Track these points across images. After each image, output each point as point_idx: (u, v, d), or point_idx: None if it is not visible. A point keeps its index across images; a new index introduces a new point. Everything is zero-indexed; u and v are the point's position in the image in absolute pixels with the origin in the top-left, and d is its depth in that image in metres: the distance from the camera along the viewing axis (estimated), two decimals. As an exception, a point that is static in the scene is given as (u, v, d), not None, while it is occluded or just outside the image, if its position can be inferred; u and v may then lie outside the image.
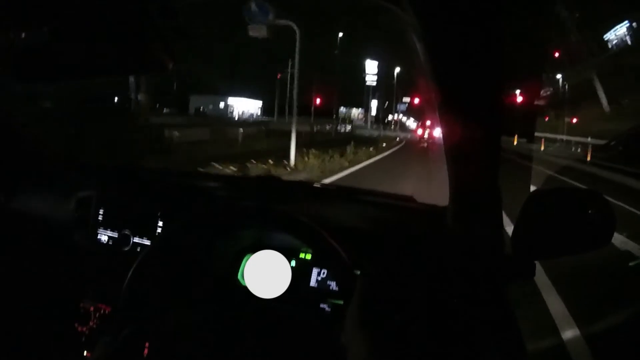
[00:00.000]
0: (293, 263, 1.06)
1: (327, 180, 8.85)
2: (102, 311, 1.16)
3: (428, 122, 38.34)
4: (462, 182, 0.87)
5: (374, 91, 54.64)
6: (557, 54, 38.21)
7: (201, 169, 7.25)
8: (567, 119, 32.35)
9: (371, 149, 18.14)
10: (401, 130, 53.39)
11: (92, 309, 1.16)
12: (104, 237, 1.25)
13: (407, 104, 63.91)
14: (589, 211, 0.84)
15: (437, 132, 23.32)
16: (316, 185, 1.46)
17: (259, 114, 50.75)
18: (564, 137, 29.13)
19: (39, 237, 1.31)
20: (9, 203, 1.35)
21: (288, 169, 10.54)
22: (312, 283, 1.05)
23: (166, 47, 0.69)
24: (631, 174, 11.81)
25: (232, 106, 48.89)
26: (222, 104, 48.33)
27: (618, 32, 35.28)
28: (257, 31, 9.80)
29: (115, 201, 1.27)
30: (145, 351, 0.87)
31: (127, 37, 0.67)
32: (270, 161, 10.54)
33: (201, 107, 44.51)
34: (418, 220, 1.12)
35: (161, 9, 0.71)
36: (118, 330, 0.81)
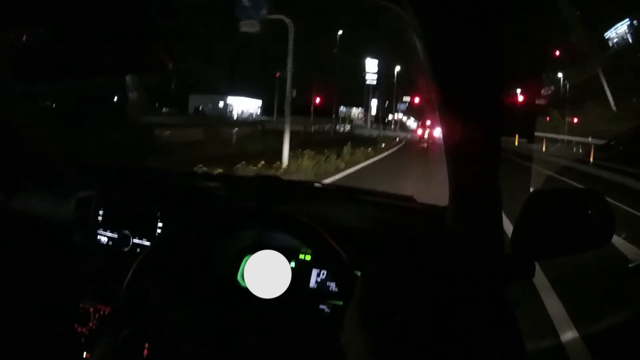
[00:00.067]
0: (293, 263, 1.06)
1: (321, 183, 8.62)
2: (101, 311, 1.16)
3: (428, 122, 38.32)
4: (462, 182, 0.87)
5: (373, 90, 54.66)
6: (557, 53, 38.23)
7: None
8: (567, 119, 32.32)
9: (369, 149, 17.58)
10: (401, 130, 53.33)
11: (91, 309, 1.16)
12: (103, 237, 1.25)
13: (407, 104, 63.86)
14: (589, 211, 0.84)
15: (437, 132, 23.27)
16: (316, 185, 1.46)
17: (258, 113, 50.71)
18: (565, 138, 29.09)
19: (39, 237, 1.31)
20: (9, 203, 1.35)
21: (280, 171, 9.97)
22: (312, 284, 1.05)
23: (166, 47, 0.69)
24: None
25: (231, 105, 48.82)
26: (221, 104, 48.29)
27: (619, 31, 35.28)
28: (249, 27, 9.43)
29: (115, 201, 1.27)
30: (145, 351, 0.87)
31: (127, 37, 0.67)
32: (261, 163, 9.79)
33: (200, 107, 44.44)
34: (418, 220, 1.12)
35: (161, 9, 0.71)
36: (118, 331, 0.81)
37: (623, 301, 3.21)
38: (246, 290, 1.02)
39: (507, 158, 16.60)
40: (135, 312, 0.85)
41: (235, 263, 1.07)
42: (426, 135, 35.44)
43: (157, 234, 1.18)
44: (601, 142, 21.12)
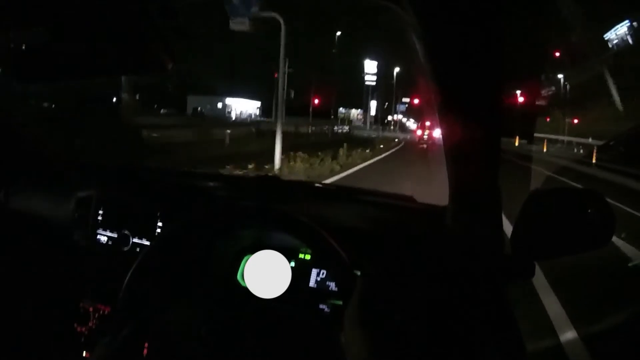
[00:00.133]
0: (293, 263, 1.06)
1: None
2: (101, 311, 1.16)
3: (427, 123, 38.32)
4: (462, 182, 0.87)
5: (373, 91, 54.68)
6: (557, 54, 38.25)
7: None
8: (568, 120, 32.31)
9: (367, 150, 17.11)
10: (401, 131, 53.33)
11: (91, 309, 1.16)
12: (103, 237, 1.25)
13: (406, 105, 63.96)
14: (589, 211, 0.84)
15: (437, 133, 23.24)
16: (316, 185, 1.46)
17: (257, 114, 50.70)
18: (566, 138, 29.06)
19: (39, 237, 1.31)
20: (9, 203, 1.35)
21: (270, 174, 9.49)
22: (312, 283, 1.05)
23: (166, 47, 0.69)
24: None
25: (230, 106, 48.81)
26: (220, 105, 48.27)
27: (618, 32, 35.31)
28: (240, 25, 9.10)
29: (114, 201, 1.27)
30: (145, 351, 0.87)
31: (127, 37, 0.67)
32: (251, 165, 9.12)
33: (199, 108, 44.42)
34: (418, 220, 1.12)
35: (161, 9, 0.71)
36: (118, 330, 0.81)
37: (623, 301, 3.21)
38: (246, 290, 1.02)
39: (507, 159, 16.52)
40: (135, 312, 0.85)
41: (235, 263, 1.07)
42: (426, 136, 35.42)
43: (156, 234, 1.18)
44: (601, 142, 21.06)
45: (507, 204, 0.91)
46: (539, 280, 3.40)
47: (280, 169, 9.98)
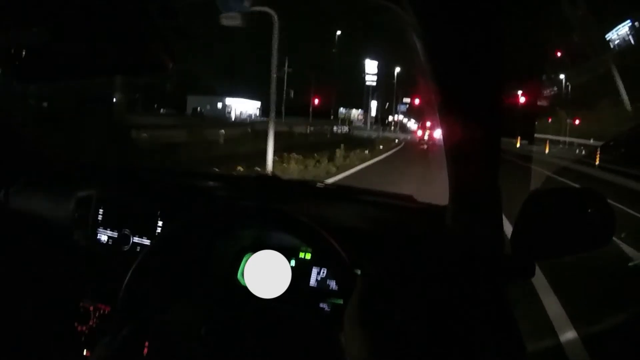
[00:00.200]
0: (293, 263, 1.06)
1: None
2: (101, 311, 1.16)
3: (428, 123, 38.26)
4: (462, 182, 0.87)
5: (373, 92, 54.67)
6: (558, 54, 38.23)
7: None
8: (569, 121, 32.27)
9: (366, 151, 16.89)
10: (401, 131, 53.28)
11: (91, 308, 1.16)
12: (103, 236, 1.25)
13: (407, 105, 63.88)
14: (589, 211, 0.84)
15: (438, 134, 23.17)
16: (316, 185, 1.47)
17: (257, 114, 50.65)
18: (567, 139, 29.01)
19: (39, 237, 1.31)
20: (9, 203, 1.35)
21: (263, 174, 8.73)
22: (312, 283, 1.05)
23: (166, 47, 0.69)
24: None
25: (230, 107, 48.77)
26: (219, 105, 48.24)
27: (620, 32, 35.30)
28: (231, 20, 8.94)
29: (115, 201, 1.27)
30: (145, 351, 0.87)
31: (127, 37, 0.67)
32: (241, 168, 8.52)
33: (198, 108, 44.39)
34: (418, 220, 1.12)
35: (161, 9, 0.71)
36: (118, 330, 0.81)
37: (623, 301, 3.21)
38: (246, 289, 1.02)
39: (509, 160, 16.43)
40: (135, 312, 0.85)
41: (235, 263, 1.07)
42: (426, 137, 35.35)
43: (157, 234, 1.18)
44: (601, 143, 20.96)
45: (511, 206, 0.91)
46: (539, 280, 3.40)
47: (272, 171, 9.28)
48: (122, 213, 1.24)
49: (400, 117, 66.37)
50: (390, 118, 65.68)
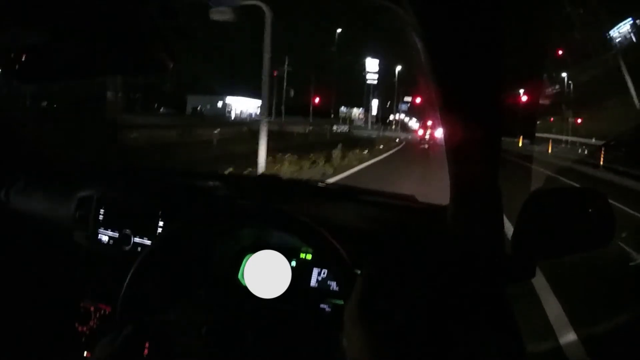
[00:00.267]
0: (293, 263, 1.06)
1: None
2: (102, 311, 1.16)
3: (429, 123, 38.18)
4: (463, 182, 0.87)
5: (374, 90, 54.62)
6: (560, 52, 38.16)
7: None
8: (571, 120, 32.21)
9: (365, 151, 16.34)
10: (402, 130, 53.14)
11: (92, 308, 1.16)
12: (104, 236, 1.25)
13: (408, 104, 63.73)
14: (589, 211, 0.84)
15: (439, 133, 23.13)
16: (317, 184, 1.47)
17: (258, 113, 50.59)
18: (569, 139, 28.95)
19: (40, 237, 1.31)
20: (9, 203, 1.35)
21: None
22: (313, 283, 1.05)
23: (166, 47, 0.69)
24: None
25: (230, 106, 48.70)
26: (220, 104, 48.18)
27: (621, 30, 35.25)
28: (221, 14, 8.67)
29: (115, 201, 1.27)
30: (146, 351, 0.87)
31: (127, 37, 0.67)
32: (231, 169, 7.84)
33: (198, 107, 44.35)
34: (418, 220, 1.12)
35: (161, 9, 0.71)
36: (118, 330, 0.81)
37: (623, 301, 3.21)
38: (246, 290, 1.02)
39: (511, 160, 16.33)
40: (136, 312, 0.85)
41: (236, 263, 1.07)
42: (427, 136, 35.28)
43: (157, 234, 1.18)
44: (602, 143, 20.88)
45: (512, 207, 0.90)
46: (539, 280, 3.39)
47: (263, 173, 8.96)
48: (123, 213, 1.24)
49: (402, 116, 66.29)
50: (392, 117, 65.67)
